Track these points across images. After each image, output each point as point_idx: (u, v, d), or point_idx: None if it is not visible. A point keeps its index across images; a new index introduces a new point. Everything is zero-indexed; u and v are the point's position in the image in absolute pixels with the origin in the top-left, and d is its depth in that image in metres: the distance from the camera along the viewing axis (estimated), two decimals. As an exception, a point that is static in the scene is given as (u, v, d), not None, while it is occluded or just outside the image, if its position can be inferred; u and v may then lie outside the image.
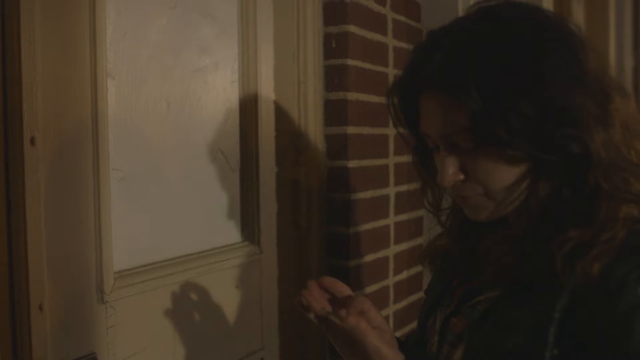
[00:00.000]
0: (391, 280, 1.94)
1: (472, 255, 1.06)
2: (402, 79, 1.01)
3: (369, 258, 1.81)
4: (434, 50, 0.94)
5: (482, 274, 1.00)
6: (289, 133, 1.67)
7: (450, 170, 0.96)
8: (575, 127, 0.89)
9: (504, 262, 0.95)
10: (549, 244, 0.90)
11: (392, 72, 1.90)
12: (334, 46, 1.69)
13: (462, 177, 0.97)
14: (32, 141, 1.02)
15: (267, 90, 1.60)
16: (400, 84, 1.01)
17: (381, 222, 1.87)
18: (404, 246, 2.00)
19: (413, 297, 2.08)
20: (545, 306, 0.89)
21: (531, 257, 0.92)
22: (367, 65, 1.77)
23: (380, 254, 1.87)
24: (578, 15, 4.62)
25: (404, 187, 1.98)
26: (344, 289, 1.08)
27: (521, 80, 0.89)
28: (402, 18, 1.96)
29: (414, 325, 2.08)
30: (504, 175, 0.94)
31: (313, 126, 1.68)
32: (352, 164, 1.71)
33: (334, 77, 1.69)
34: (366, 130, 1.77)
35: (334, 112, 1.70)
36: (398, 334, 1.98)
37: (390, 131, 1.90)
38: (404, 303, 2.02)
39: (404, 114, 1.03)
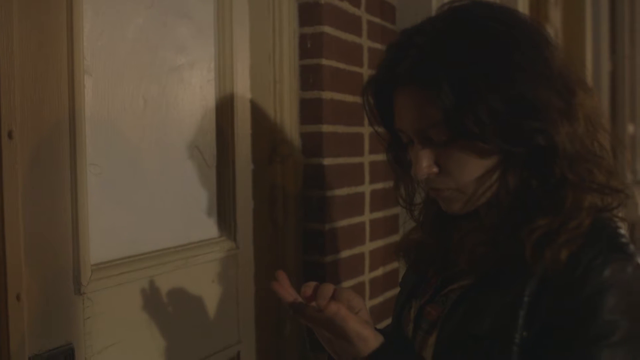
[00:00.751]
0: (367, 276, 1.98)
1: (446, 246, 1.09)
2: (377, 76, 1.05)
3: (344, 254, 1.85)
4: (407, 48, 0.98)
5: (456, 264, 1.04)
6: (265, 131, 1.70)
7: (424, 163, 1.00)
8: (542, 121, 0.94)
9: (477, 250, 0.99)
10: (519, 232, 0.94)
11: (366, 72, 1.94)
12: (309, 46, 1.73)
13: (435, 169, 1.01)
14: (10, 135, 1.05)
15: (243, 89, 1.64)
16: (375, 81, 1.05)
17: (357, 219, 1.90)
18: (379, 243, 2.04)
19: (389, 293, 2.11)
20: (515, 291, 0.94)
21: (502, 245, 0.96)
22: (341, 65, 1.81)
23: (356, 250, 1.91)
24: (555, 20, 4.69)
25: (379, 185, 2.02)
26: (327, 291, 1.05)
27: (490, 76, 0.93)
28: (377, 19, 2.00)
29: (389, 321, 2.11)
30: (475, 167, 0.98)
31: (289, 124, 1.71)
32: (327, 161, 1.74)
33: (309, 77, 1.73)
34: (341, 128, 1.81)
35: (309, 111, 1.74)
36: (373, 329, 2.01)
37: (365, 130, 1.93)
38: (379, 299, 2.06)
39: (379, 110, 1.07)
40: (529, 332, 0.92)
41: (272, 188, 1.71)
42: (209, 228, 1.58)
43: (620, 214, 1.00)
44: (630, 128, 8.72)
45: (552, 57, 0.97)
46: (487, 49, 0.95)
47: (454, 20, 0.99)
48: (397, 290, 2.14)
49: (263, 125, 1.70)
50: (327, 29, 1.73)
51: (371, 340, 0.97)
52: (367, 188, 1.96)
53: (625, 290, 0.90)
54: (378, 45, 2.01)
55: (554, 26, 4.59)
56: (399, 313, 1.19)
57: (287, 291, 1.05)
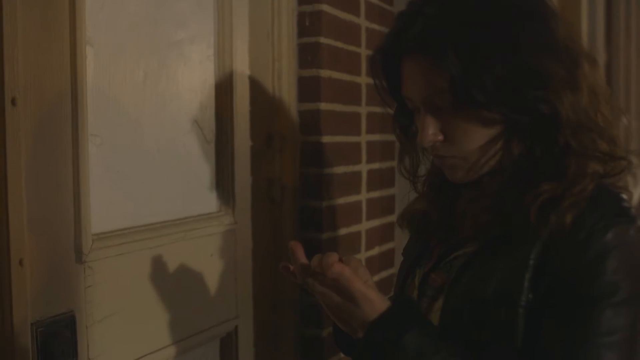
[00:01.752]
0: (363, 255, 1.99)
1: (450, 215, 1.11)
2: (385, 44, 1.06)
3: (341, 232, 1.86)
4: (415, 17, 1.00)
5: (460, 231, 1.06)
6: (263, 108, 1.71)
7: (430, 130, 1.02)
8: (545, 90, 0.96)
9: (481, 217, 1.01)
10: (523, 198, 0.96)
11: (364, 52, 1.95)
12: (308, 24, 1.74)
13: (441, 137, 1.03)
14: (13, 102, 1.06)
15: (242, 65, 1.65)
16: (383, 48, 1.07)
17: (353, 198, 1.92)
18: (376, 222, 2.06)
19: (384, 273, 2.13)
20: (521, 255, 0.96)
21: (506, 211, 0.98)
22: (339, 45, 1.82)
23: (353, 229, 1.92)
24: (551, 9, 4.70)
25: (376, 165, 2.04)
26: (333, 257, 1.02)
27: (496, 46, 0.95)
28: (374, 0, 2.01)
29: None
30: (480, 136, 1.01)
31: (287, 102, 1.72)
32: (325, 139, 1.76)
33: (307, 55, 1.74)
34: (339, 107, 1.82)
35: (308, 89, 1.75)
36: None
37: (363, 109, 1.95)
38: (375, 278, 2.08)
39: (387, 78, 1.09)
40: (534, 294, 0.95)
41: (270, 165, 1.73)
42: (208, 202, 1.60)
43: (622, 182, 1.03)
44: (624, 119, 8.75)
45: (558, 28, 0.99)
46: (494, 19, 0.97)
47: None
48: (392, 270, 2.17)
49: (261, 103, 1.71)
50: (325, 7, 1.74)
51: (378, 302, 0.98)
52: (364, 167, 1.97)
53: (627, 253, 0.93)
54: (376, 26, 2.02)
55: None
56: (402, 281, 1.20)
57: (298, 262, 1.03)
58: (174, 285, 1.45)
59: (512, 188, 1.00)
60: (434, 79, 0.99)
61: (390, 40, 1.05)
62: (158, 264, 1.40)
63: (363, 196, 1.98)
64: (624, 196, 1.00)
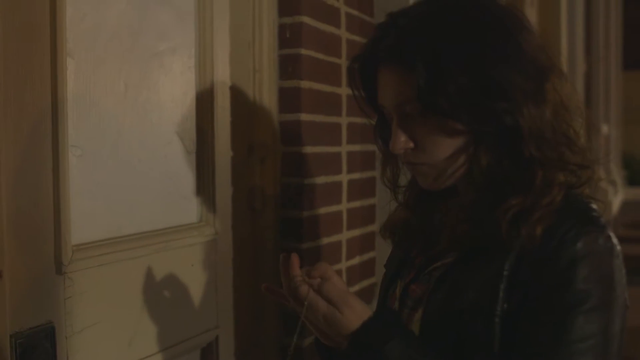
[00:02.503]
0: (344, 264, 2.01)
1: (428, 226, 1.15)
2: (361, 53, 1.10)
3: (322, 242, 1.88)
4: (389, 29, 1.04)
5: (438, 243, 1.09)
6: (244, 119, 1.73)
7: (401, 137, 1.05)
8: (507, 102, 0.99)
9: (457, 229, 1.04)
10: (494, 211, 0.99)
11: (345, 63, 1.97)
12: (289, 36, 1.76)
13: (411, 144, 1.06)
14: (-7, 113, 1.07)
15: (223, 76, 1.66)
16: (360, 57, 1.11)
17: (334, 208, 1.93)
18: (356, 232, 2.07)
19: (365, 282, 2.15)
20: (495, 266, 0.99)
21: (480, 224, 1.01)
22: (320, 56, 1.84)
23: (333, 239, 1.94)
24: (531, 20, 4.75)
25: (356, 175, 2.05)
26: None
27: (461, 57, 0.98)
28: (355, 12, 2.04)
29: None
30: (447, 145, 1.03)
31: (268, 113, 1.74)
32: (305, 150, 1.77)
33: (288, 66, 1.76)
34: (319, 118, 1.84)
35: (288, 100, 1.76)
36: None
37: (343, 120, 1.97)
38: (356, 287, 2.09)
39: (365, 87, 1.13)
40: (509, 304, 0.97)
41: (251, 175, 1.74)
42: (189, 213, 1.60)
43: (589, 192, 1.06)
44: (604, 128, 8.86)
45: (526, 41, 1.02)
46: (461, 31, 1.00)
47: (437, 4, 1.05)
48: (373, 279, 2.19)
49: (243, 113, 1.72)
50: (306, 19, 1.76)
51: (360, 310, 1.01)
52: (344, 177, 1.99)
53: (597, 261, 0.96)
54: (356, 37, 2.04)
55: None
56: (384, 293, 1.23)
57: (293, 272, 1.06)
58: (154, 295, 1.45)
59: (484, 199, 1.02)
60: (404, 88, 1.02)
61: (367, 50, 1.09)
62: (138, 275, 1.41)
63: (344, 206, 1.99)
64: (593, 205, 1.03)
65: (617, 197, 8.97)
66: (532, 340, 0.96)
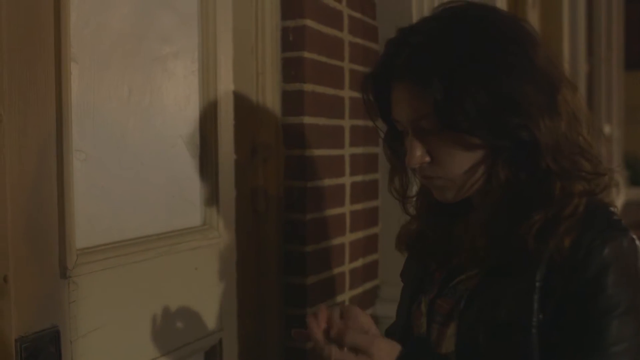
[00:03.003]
0: (347, 267, 2.01)
1: (445, 239, 1.16)
2: (375, 70, 1.11)
3: (325, 244, 1.88)
4: (403, 46, 1.05)
5: (458, 256, 1.10)
6: (247, 122, 1.73)
7: (417, 152, 1.06)
8: (524, 117, 1.00)
9: (477, 244, 1.05)
10: (517, 228, 1.00)
11: (347, 66, 1.97)
12: (292, 39, 1.76)
13: (428, 159, 1.07)
14: (-1, 118, 1.07)
15: (226, 80, 1.66)
16: (373, 74, 1.12)
17: (337, 210, 1.93)
18: (359, 234, 2.07)
19: (368, 285, 2.15)
20: (527, 278, 1.01)
21: (504, 241, 1.03)
22: (323, 59, 1.84)
23: (337, 241, 1.94)
24: (533, 22, 4.75)
25: (359, 178, 2.06)
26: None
27: (477, 73, 0.99)
28: (357, 15, 2.04)
29: (369, 312, 2.15)
30: (464, 159, 1.05)
31: (271, 116, 1.74)
32: (308, 152, 1.77)
33: (291, 69, 1.76)
34: (322, 121, 1.84)
35: (291, 103, 1.77)
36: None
37: (346, 123, 1.97)
38: (359, 290, 2.09)
39: (377, 102, 1.14)
40: (544, 314, 1.00)
41: (254, 178, 1.74)
42: (192, 216, 1.61)
43: (608, 198, 1.08)
44: (607, 129, 8.85)
45: (537, 55, 1.03)
46: (476, 48, 1.01)
47: (447, 20, 1.06)
48: (376, 282, 2.19)
49: (246, 116, 1.72)
50: (309, 22, 1.76)
51: (386, 346, 1.02)
52: (347, 180, 1.99)
53: (624, 265, 0.99)
54: (359, 40, 2.04)
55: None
56: (407, 308, 1.23)
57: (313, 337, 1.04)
58: (158, 299, 1.45)
59: (504, 215, 1.03)
60: (420, 104, 1.03)
61: (380, 66, 1.10)
62: (142, 278, 1.41)
63: (347, 208, 1.99)
64: (613, 209, 1.05)
65: (619, 198, 8.95)
66: (570, 348, 0.98)
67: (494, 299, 1.04)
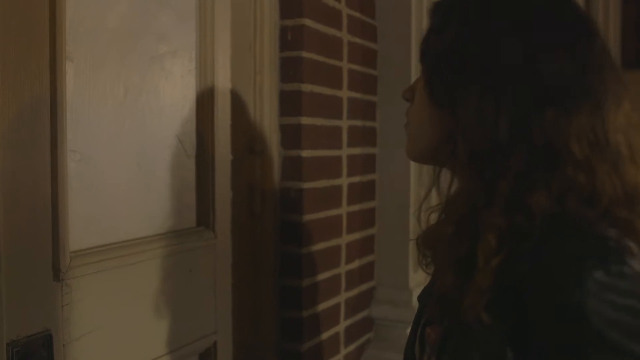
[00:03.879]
0: (343, 268, 1.99)
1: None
2: None
3: (321, 246, 1.86)
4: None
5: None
6: (244, 122, 1.71)
7: (409, 87, 1.03)
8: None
9: (444, 297, 0.92)
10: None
11: (346, 65, 1.95)
12: (290, 39, 1.74)
13: (408, 96, 1.02)
14: (-9, 119, 1.05)
15: (223, 79, 1.64)
16: None
17: (334, 212, 1.92)
18: (356, 236, 2.06)
19: (364, 286, 2.13)
20: (498, 322, 0.86)
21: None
22: (321, 59, 1.82)
23: (333, 243, 1.92)
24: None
25: (356, 179, 2.04)
26: None
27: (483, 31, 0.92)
28: (356, 14, 2.02)
29: (365, 313, 2.13)
30: (424, 107, 0.97)
31: (268, 116, 1.72)
32: (305, 153, 1.76)
33: (289, 69, 1.74)
34: (320, 121, 1.82)
35: (289, 103, 1.75)
36: (349, 321, 2.03)
37: (344, 123, 1.95)
38: (355, 291, 2.08)
39: None
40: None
41: (251, 179, 1.72)
42: (188, 217, 1.58)
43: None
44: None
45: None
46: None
47: None
48: (372, 283, 2.17)
49: (243, 116, 1.70)
50: (307, 21, 1.74)
51: None
52: (344, 181, 1.97)
53: (609, 300, 0.81)
54: (357, 40, 2.02)
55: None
56: (413, 331, 1.12)
57: None
58: (152, 301, 1.43)
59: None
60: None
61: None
62: (136, 281, 1.39)
63: (343, 209, 1.98)
64: (601, 232, 0.86)
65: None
66: None
67: (465, 349, 0.90)
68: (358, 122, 2.01)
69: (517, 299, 0.83)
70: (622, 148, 0.88)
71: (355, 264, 2.07)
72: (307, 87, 1.75)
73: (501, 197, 0.84)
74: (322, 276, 1.87)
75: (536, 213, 0.83)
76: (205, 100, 1.59)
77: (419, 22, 2.15)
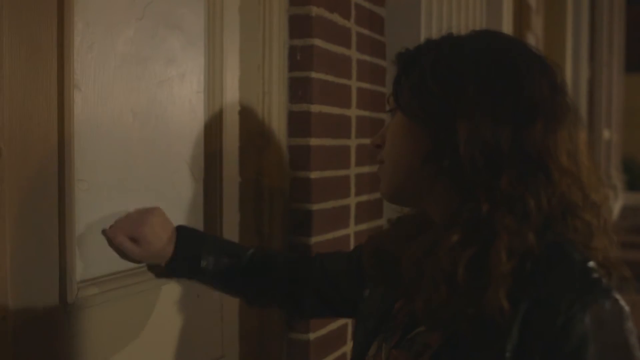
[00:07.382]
0: (350, 288, 1.97)
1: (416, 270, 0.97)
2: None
3: (329, 267, 1.84)
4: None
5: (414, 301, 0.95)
6: (253, 144, 1.69)
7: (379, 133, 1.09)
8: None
9: (433, 302, 0.91)
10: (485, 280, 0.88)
11: (355, 84, 1.93)
12: (299, 59, 1.72)
13: (379, 141, 1.07)
14: (-1, 151, 1.03)
15: (232, 101, 1.62)
16: None
17: (342, 232, 1.90)
18: (363, 255, 2.04)
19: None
20: (496, 347, 0.87)
21: (468, 301, 0.89)
22: (330, 78, 1.80)
23: (340, 263, 1.90)
24: (536, 27, 4.73)
25: (364, 198, 2.02)
26: None
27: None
28: (365, 31, 2.00)
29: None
30: (403, 142, 1.02)
31: (277, 137, 1.70)
32: (314, 175, 1.73)
33: (298, 89, 1.72)
34: (328, 141, 1.80)
35: (298, 124, 1.73)
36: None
37: (352, 142, 1.93)
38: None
39: None
40: None
41: (259, 201, 1.70)
42: (195, 242, 1.56)
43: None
44: (606, 133, 8.84)
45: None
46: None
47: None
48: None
49: (251, 138, 1.68)
50: (317, 41, 1.72)
51: None
52: (352, 201, 1.95)
53: (608, 331, 0.87)
54: (367, 57, 2.00)
55: (535, 33, 4.63)
56: (362, 343, 1.08)
57: None
58: (160, 328, 1.41)
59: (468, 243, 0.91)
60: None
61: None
62: (144, 309, 1.37)
63: (351, 229, 1.96)
64: (590, 264, 0.91)
65: (617, 202, 8.94)
66: None
67: None
68: (366, 140, 1.99)
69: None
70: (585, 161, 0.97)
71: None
72: (316, 108, 1.73)
73: (504, 199, 0.90)
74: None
75: (533, 214, 0.90)
76: (213, 123, 1.58)
77: (428, 38, 2.13)
